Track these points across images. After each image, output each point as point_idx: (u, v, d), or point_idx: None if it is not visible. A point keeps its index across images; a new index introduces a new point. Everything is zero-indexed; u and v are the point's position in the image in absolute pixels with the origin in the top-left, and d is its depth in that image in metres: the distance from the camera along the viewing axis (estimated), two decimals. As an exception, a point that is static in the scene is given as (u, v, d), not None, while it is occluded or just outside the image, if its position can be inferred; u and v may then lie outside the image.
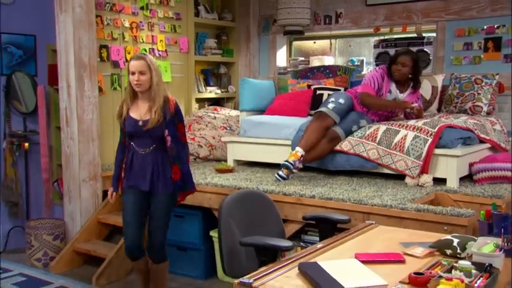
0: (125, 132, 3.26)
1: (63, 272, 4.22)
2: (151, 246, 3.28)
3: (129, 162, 3.22)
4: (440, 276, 1.69)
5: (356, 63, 5.68)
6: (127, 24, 4.90)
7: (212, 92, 5.85)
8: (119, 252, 4.04)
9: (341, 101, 4.09)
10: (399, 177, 3.80)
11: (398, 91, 4.14)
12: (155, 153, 3.17)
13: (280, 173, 3.84)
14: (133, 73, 3.12)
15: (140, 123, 3.14)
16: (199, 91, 5.72)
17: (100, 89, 4.56)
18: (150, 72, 3.11)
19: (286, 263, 1.96)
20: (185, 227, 4.07)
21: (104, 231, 4.49)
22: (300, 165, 3.91)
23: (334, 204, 3.26)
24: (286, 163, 3.83)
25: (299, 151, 3.88)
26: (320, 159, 4.01)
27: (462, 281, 1.63)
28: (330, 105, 4.05)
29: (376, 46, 5.38)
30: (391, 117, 4.25)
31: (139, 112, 3.18)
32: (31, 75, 5.01)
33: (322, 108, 4.05)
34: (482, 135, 4.00)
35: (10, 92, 4.89)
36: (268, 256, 2.13)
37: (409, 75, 4.11)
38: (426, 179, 3.67)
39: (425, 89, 4.63)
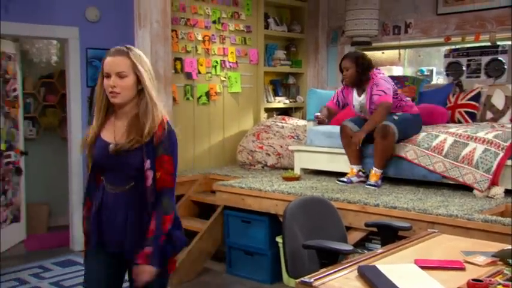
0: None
1: (138, 271, 4.47)
2: None
3: (97, 207, 2.17)
4: (500, 284, 1.71)
5: (425, 73, 5.63)
6: (200, 38, 5.15)
7: (281, 102, 5.99)
8: (189, 255, 4.25)
9: (394, 117, 4.13)
10: (468, 187, 3.74)
11: (357, 96, 4.19)
12: (134, 195, 2.12)
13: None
14: (107, 75, 2.08)
15: (111, 147, 2.10)
16: (268, 101, 5.88)
17: (174, 99, 4.82)
18: (135, 73, 2.08)
19: (346, 266, 2.04)
20: (252, 232, 4.20)
21: (175, 234, 4.71)
22: (359, 179, 4.15)
23: (398, 213, 3.28)
24: (340, 182, 4.13)
25: (354, 168, 4.16)
26: (390, 157, 4.02)
27: (520, 288, 1.64)
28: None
29: (446, 56, 5.31)
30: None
31: (115, 132, 2.14)
32: (112, 86, 5.38)
33: (343, 122, 4.26)
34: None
35: (93, 103, 5.28)
36: (329, 259, 2.21)
37: (361, 76, 4.08)
38: (497, 190, 3.59)
39: (499, 99, 4.52)
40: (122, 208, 2.12)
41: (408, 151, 3.96)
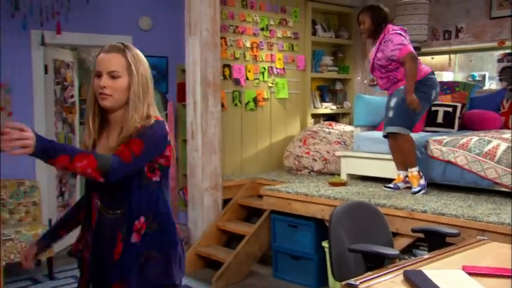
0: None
1: (186, 272, 4.54)
2: None
3: (92, 234, 1.87)
4: (551, 292, 1.68)
5: (477, 79, 5.51)
6: (248, 45, 5.24)
7: (327, 107, 6.00)
8: (236, 258, 4.32)
9: (389, 114, 4.05)
10: (521, 196, 3.65)
11: (372, 48, 4.11)
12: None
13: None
14: (99, 74, 1.81)
15: None
16: (315, 107, 5.90)
17: (222, 105, 4.93)
18: (129, 75, 1.81)
19: (392, 270, 2.04)
20: (298, 237, 4.23)
21: (223, 237, 4.81)
22: (406, 185, 4.08)
23: (446, 219, 3.23)
24: (386, 188, 4.12)
25: (401, 174, 4.10)
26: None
27: None
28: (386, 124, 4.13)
29: (500, 60, 5.20)
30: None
31: (109, 144, 1.86)
32: (163, 92, 5.55)
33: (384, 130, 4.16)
34: None
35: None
36: (375, 263, 2.22)
37: (377, 28, 3.99)
38: (552, 199, 3.48)
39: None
40: (118, 232, 1.80)
41: (458, 156, 3.89)
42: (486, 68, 5.68)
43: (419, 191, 3.90)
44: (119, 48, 1.83)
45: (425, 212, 3.37)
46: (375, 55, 3.98)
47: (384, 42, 3.91)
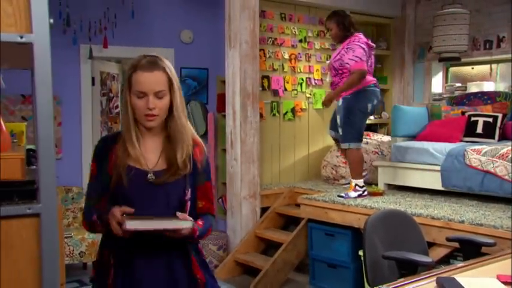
0: (109, 192, 1.73)
1: (225, 278, 4.69)
2: None
3: (124, 259, 1.72)
4: None
5: (519, 88, 5.41)
6: (286, 56, 5.35)
7: (365, 118, 6.01)
8: (274, 265, 4.40)
9: (340, 131, 4.27)
10: None
11: None
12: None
13: (343, 195, 4.25)
14: (141, 95, 1.69)
15: (150, 176, 1.72)
16: (352, 117, 5.93)
17: (261, 115, 5.03)
18: (171, 91, 1.73)
19: (425, 276, 2.08)
20: (335, 245, 4.27)
21: (261, 244, 4.89)
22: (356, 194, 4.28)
23: (484, 230, 3.21)
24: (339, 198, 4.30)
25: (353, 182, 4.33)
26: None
27: None
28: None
29: (543, 69, 5.10)
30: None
31: (148, 158, 1.75)
32: (203, 103, 5.71)
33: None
34: None
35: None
36: (409, 270, 2.26)
37: (345, 33, 4.10)
38: None
39: None
40: (163, 258, 1.73)
41: (498, 166, 3.86)
42: (529, 78, 5.58)
43: (342, 197, 4.18)
44: (158, 65, 1.71)
45: (462, 222, 3.37)
46: (335, 56, 4.16)
47: (347, 49, 4.07)
